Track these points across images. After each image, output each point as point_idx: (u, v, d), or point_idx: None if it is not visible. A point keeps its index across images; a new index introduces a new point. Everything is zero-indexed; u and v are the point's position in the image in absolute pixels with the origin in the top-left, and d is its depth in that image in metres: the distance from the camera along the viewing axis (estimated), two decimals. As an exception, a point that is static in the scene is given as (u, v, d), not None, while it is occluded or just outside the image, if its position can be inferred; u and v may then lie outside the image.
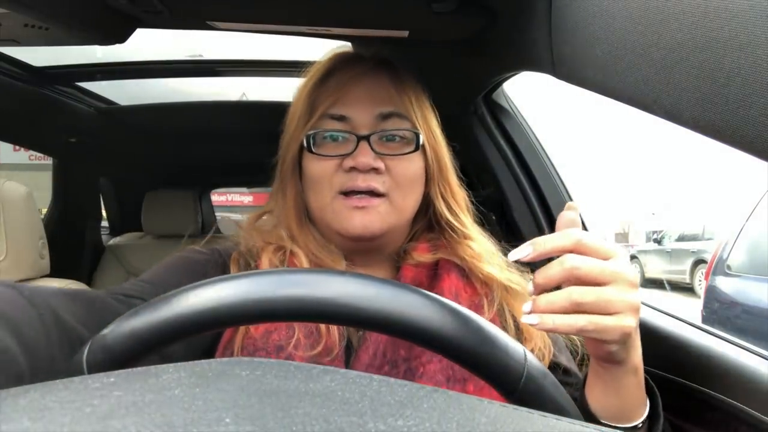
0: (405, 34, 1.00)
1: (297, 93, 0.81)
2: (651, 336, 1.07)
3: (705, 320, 4.59)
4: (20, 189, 1.36)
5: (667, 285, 9.61)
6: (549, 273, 0.51)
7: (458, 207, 0.80)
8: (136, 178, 2.76)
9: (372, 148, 0.72)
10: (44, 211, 2.56)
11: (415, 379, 0.70)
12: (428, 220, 0.82)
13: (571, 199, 1.48)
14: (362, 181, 0.72)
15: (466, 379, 0.69)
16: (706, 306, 4.72)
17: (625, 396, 0.61)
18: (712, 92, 0.42)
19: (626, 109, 0.59)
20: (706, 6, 0.41)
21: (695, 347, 0.93)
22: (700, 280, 8.16)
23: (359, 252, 0.78)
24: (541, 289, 0.52)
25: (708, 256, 6.69)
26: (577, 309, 0.50)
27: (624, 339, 0.53)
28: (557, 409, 0.43)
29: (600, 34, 0.57)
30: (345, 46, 1.20)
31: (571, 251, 0.51)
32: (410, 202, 0.76)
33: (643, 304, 1.23)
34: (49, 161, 2.49)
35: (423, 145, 0.76)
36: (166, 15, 0.92)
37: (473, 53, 1.10)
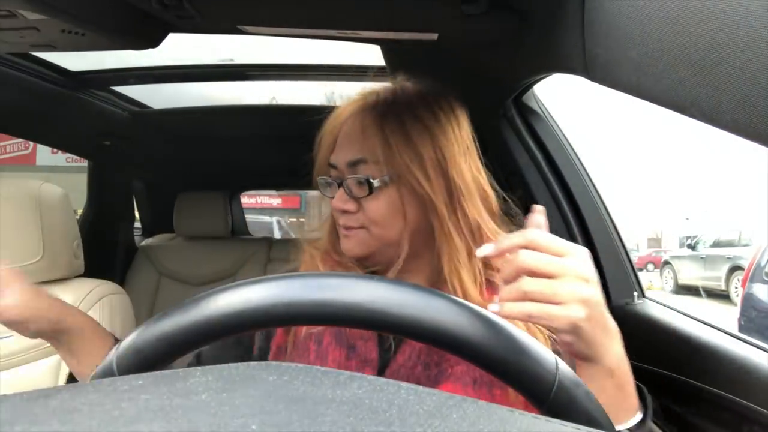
0: (434, 36, 1.00)
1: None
2: (687, 345, 1.04)
3: (742, 329, 4.47)
4: (57, 191, 1.40)
5: (702, 292, 9.38)
6: (505, 268, 0.59)
7: (471, 237, 0.81)
8: (168, 181, 2.81)
9: (349, 191, 0.82)
10: (79, 212, 2.62)
11: (443, 380, 0.74)
12: None
13: (603, 203, 1.45)
14: (341, 220, 0.84)
15: (492, 382, 0.71)
16: (743, 314, 4.60)
17: (603, 399, 0.61)
18: (753, 94, 0.41)
19: (662, 112, 0.57)
20: (749, 5, 0.40)
21: (734, 357, 0.90)
22: (736, 287, 7.94)
23: (375, 266, 0.86)
24: (505, 282, 0.59)
25: (744, 263, 6.51)
26: (527, 297, 0.56)
27: (574, 329, 0.57)
28: (589, 421, 0.42)
29: (635, 35, 0.56)
30: (374, 48, 1.20)
31: (525, 248, 0.57)
32: (392, 231, 0.82)
33: (679, 312, 1.21)
34: (84, 164, 2.55)
35: (387, 184, 0.81)
36: (198, 19, 0.93)
37: (503, 55, 1.09)
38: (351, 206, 0.82)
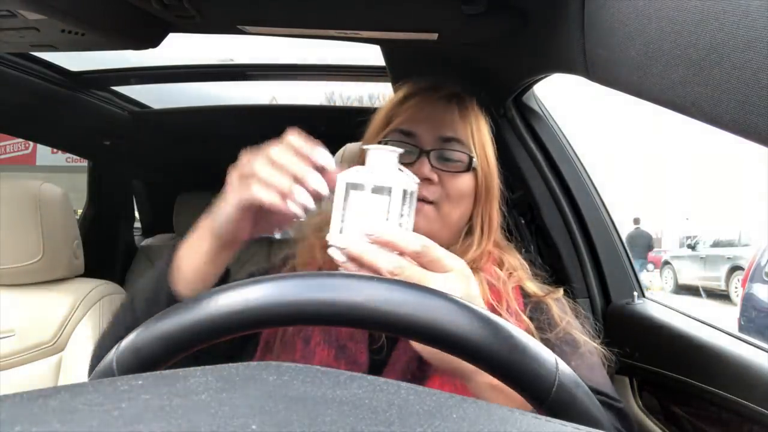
0: (434, 36, 1.00)
1: (377, 111, 0.91)
2: (687, 345, 1.04)
3: (742, 329, 4.47)
4: (57, 191, 1.40)
5: (702, 292, 9.38)
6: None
7: (489, 231, 0.88)
8: (167, 180, 2.80)
9: (430, 163, 0.82)
10: (79, 212, 2.62)
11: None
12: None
13: (603, 203, 1.45)
14: (422, 191, 0.80)
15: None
16: (743, 314, 4.60)
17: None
18: (753, 94, 0.41)
19: (662, 112, 0.57)
20: (749, 5, 0.40)
21: (734, 357, 0.90)
22: (736, 288, 7.95)
23: None
24: None
25: (744, 263, 6.51)
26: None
27: None
28: (589, 420, 0.42)
29: (635, 35, 0.56)
30: (374, 48, 1.20)
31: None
32: (456, 214, 0.84)
33: (679, 312, 1.21)
34: (84, 164, 2.55)
35: (474, 168, 0.85)
36: (198, 19, 0.93)
37: (503, 55, 1.09)
38: (435, 177, 0.82)
